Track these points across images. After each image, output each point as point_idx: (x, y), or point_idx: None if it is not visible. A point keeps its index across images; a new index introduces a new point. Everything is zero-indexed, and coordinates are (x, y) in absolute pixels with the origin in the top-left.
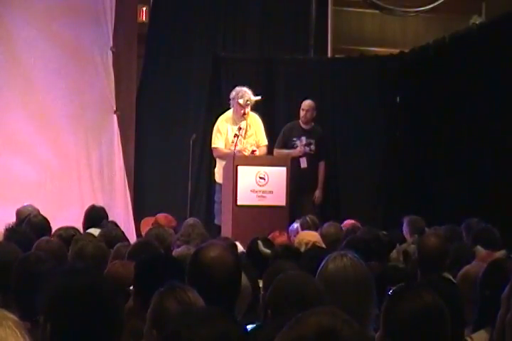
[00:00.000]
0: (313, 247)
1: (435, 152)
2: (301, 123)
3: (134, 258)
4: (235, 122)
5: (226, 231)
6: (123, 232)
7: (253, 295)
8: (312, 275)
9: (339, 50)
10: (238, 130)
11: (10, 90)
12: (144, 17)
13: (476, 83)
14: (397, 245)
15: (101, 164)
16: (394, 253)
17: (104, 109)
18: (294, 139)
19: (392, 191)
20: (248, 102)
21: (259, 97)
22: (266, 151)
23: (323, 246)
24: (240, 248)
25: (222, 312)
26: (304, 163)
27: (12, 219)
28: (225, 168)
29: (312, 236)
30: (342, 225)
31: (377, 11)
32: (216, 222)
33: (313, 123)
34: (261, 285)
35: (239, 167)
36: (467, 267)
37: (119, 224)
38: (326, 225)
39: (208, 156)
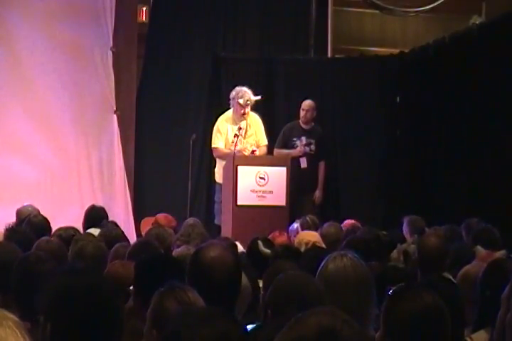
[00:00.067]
0: (313, 247)
1: (435, 152)
2: (301, 123)
3: (134, 258)
4: (235, 122)
5: (226, 231)
6: (123, 232)
7: (253, 295)
8: (312, 276)
9: (339, 50)
10: (238, 130)
11: (10, 90)
12: (144, 17)
13: (476, 83)
14: (398, 245)
15: (101, 164)
16: (394, 253)
17: (104, 109)
18: (294, 139)
19: (392, 191)
20: (248, 102)
21: (259, 97)
22: (266, 151)
23: (323, 246)
24: (240, 248)
25: (222, 312)
26: (304, 163)
27: (12, 219)
28: (225, 168)
29: (312, 236)
30: (342, 225)
31: (377, 11)
32: (216, 222)
33: (313, 123)
34: (261, 285)
35: (239, 167)
36: (467, 267)
37: (119, 224)
38: (326, 225)
39: (208, 156)
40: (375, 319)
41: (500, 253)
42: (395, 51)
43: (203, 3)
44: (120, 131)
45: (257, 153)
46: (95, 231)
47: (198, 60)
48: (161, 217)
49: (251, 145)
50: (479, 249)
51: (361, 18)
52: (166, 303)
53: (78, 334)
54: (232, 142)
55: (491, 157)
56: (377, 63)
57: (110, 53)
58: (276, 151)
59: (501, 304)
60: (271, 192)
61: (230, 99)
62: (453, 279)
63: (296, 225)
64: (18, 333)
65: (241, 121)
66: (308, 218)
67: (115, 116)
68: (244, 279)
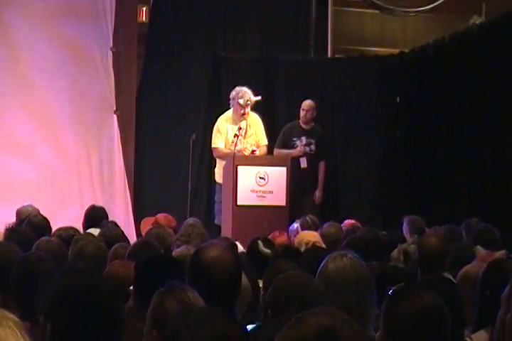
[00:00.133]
0: (313, 247)
1: (435, 152)
2: (301, 123)
3: (134, 258)
4: (235, 122)
5: (226, 231)
6: (123, 232)
7: (253, 295)
8: (312, 276)
9: (339, 50)
10: (238, 130)
11: (10, 90)
12: (144, 17)
13: (476, 83)
14: (399, 245)
15: (101, 164)
16: (394, 253)
17: (104, 109)
18: (294, 139)
19: (392, 191)
20: (248, 102)
21: (259, 97)
22: (266, 151)
23: (323, 246)
24: (240, 248)
25: (222, 312)
26: (304, 163)
27: (12, 219)
28: (225, 168)
29: (312, 236)
30: (342, 225)
31: (377, 11)
32: (216, 222)
33: (313, 123)
34: (261, 285)
35: (239, 167)
36: (467, 267)
37: (119, 224)
38: (326, 225)
39: (208, 156)
40: (375, 319)
41: (500, 253)
42: (395, 51)
43: (202, 3)
44: (120, 131)
45: (257, 153)
46: (95, 231)
47: (198, 60)
48: (161, 217)
49: (251, 145)
50: (479, 249)
51: (361, 18)
52: (166, 303)
53: (78, 334)
54: (232, 142)
55: (490, 157)
56: (377, 63)
57: (110, 53)
58: (276, 151)
59: (501, 304)
60: (271, 192)
61: (230, 99)
62: (453, 279)
63: (296, 225)
64: (18, 333)
65: (241, 121)
66: (308, 218)
67: (115, 116)
68: (244, 279)
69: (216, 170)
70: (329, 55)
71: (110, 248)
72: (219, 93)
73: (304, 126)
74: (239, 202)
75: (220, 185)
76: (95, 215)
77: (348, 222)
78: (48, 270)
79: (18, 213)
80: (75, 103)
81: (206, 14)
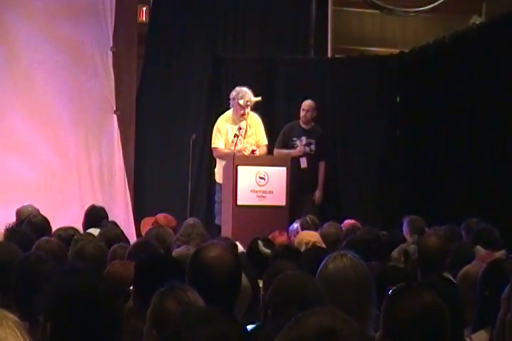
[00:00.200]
0: (313, 247)
1: (435, 152)
2: (301, 123)
3: (134, 258)
4: (235, 122)
5: (226, 231)
6: (123, 232)
7: (253, 295)
8: (312, 276)
9: (339, 50)
10: (238, 130)
11: (10, 90)
12: (144, 17)
13: (476, 83)
14: (402, 245)
15: (101, 164)
16: (395, 253)
17: (104, 109)
18: (294, 139)
19: (392, 191)
20: (248, 103)
21: (259, 98)
22: (266, 151)
23: (323, 246)
24: (240, 248)
25: (222, 312)
26: (303, 163)
27: (12, 219)
28: (225, 168)
29: (312, 236)
30: (342, 225)
31: (377, 11)
32: (216, 222)
33: (313, 123)
34: (261, 285)
35: (239, 167)
36: (467, 267)
37: (119, 224)
38: (326, 225)
39: (207, 156)
40: (375, 319)
41: (500, 253)
42: (395, 51)
43: (202, 3)
44: (120, 131)
45: (257, 153)
46: (95, 231)
47: (198, 60)
48: (161, 217)
49: (251, 145)
50: (479, 249)
51: (361, 18)
52: (166, 303)
53: (78, 334)
54: (232, 142)
55: (490, 157)
56: (377, 63)
57: (110, 53)
58: (276, 151)
59: (501, 304)
60: (271, 192)
61: (230, 99)
62: (453, 279)
63: (296, 225)
64: (18, 333)
65: (241, 121)
66: (308, 218)
67: (115, 116)
68: (244, 279)
69: (216, 170)
70: (329, 55)
71: (110, 248)
72: (219, 93)
73: (303, 126)
74: (239, 202)
75: (220, 185)
76: (95, 215)
77: (348, 221)
78: (48, 270)
79: (18, 213)
80: (75, 103)
81: (206, 14)
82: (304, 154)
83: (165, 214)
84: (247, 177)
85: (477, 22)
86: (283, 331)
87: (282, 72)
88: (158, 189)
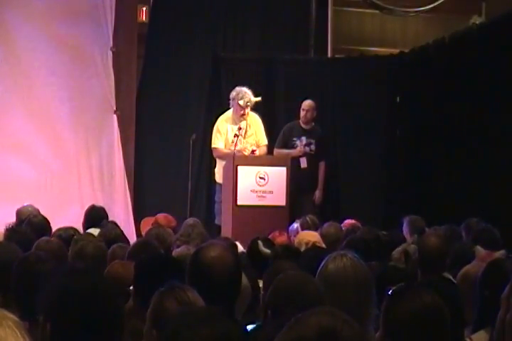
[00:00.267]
0: (313, 247)
1: (435, 152)
2: (301, 123)
3: (134, 258)
4: (235, 122)
5: (226, 231)
6: (123, 232)
7: (253, 295)
8: (312, 276)
9: (339, 50)
10: (238, 130)
11: (10, 90)
12: (144, 17)
13: (476, 83)
14: (403, 245)
15: (101, 164)
16: (395, 253)
17: (104, 109)
18: (294, 139)
19: (392, 191)
20: (248, 104)
21: (259, 98)
22: (266, 151)
23: (323, 246)
24: (240, 248)
25: (222, 312)
26: (303, 163)
27: (12, 219)
28: (225, 168)
29: (312, 236)
30: (342, 225)
31: (377, 11)
32: (216, 222)
33: (313, 123)
34: (261, 285)
35: (239, 167)
36: (467, 267)
37: (119, 224)
38: (326, 225)
39: (207, 156)
40: (375, 319)
41: (500, 253)
42: (395, 51)
43: (202, 3)
44: (120, 131)
45: (257, 153)
46: (95, 231)
47: (198, 60)
48: (161, 217)
49: (251, 145)
50: (479, 249)
51: (361, 18)
52: (166, 303)
53: (78, 334)
54: (232, 142)
55: (490, 157)
56: (377, 63)
57: (110, 53)
58: (276, 151)
59: (501, 304)
60: (271, 192)
61: (230, 99)
62: (453, 279)
63: (296, 225)
64: (18, 333)
65: (241, 121)
66: (308, 218)
67: (115, 116)
68: (244, 279)
69: (216, 170)
70: (329, 55)
71: (110, 248)
72: (219, 93)
73: (303, 126)
74: (239, 202)
75: (220, 185)
76: (95, 215)
77: (348, 221)
78: (48, 270)
79: (18, 213)
80: (75, 103)
81: (206, 14)
82: (304, 154)
83: (165, 214)
84: (247, 177)
85: (477, 22)
86: (283, 331)
87: (282, 72)
88: (158, 189)
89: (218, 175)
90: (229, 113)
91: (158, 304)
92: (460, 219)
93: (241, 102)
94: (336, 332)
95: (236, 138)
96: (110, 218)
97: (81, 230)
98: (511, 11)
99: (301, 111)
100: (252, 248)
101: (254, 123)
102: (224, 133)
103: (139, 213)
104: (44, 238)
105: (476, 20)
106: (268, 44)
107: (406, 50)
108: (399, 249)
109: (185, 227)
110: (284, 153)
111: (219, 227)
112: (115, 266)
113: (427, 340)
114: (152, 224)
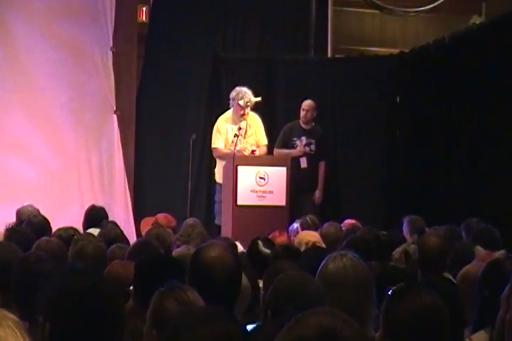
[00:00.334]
0: (313, 247)
1: (435, 152)
2: (301, 123)
3: (134, 258)
4: (235, 122)
5: (226, 231)
6: (123, 232)
7: (253, 295)
8: (312, 276)
9: (339, 50)
10: (238, 130)
11: (10, 90)
12: (144, 17)
13: (476, 83)
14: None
15: (101, 164)
16: (396, 253)
17: (104, 109)
18: (294, 139)
19: (392, 191)
20: (248, 104)
21: (259, 98)
22: (266, 151)
23: (323, 246)
24: (240, 248)
25: (223, 312)
26: (304, 163)
27: (12, 219)
28: (225, 168)
29: (312, 236)
30: (342, 225)
31: (377, 11)
32: (216, 222)
33: (313, 123)
34: (261, 285)
35: (239, 167)
36: (467, 267)
37: (119, 224)
38: (326, 225)
39: (207, 156)
40: (375, 319)
41: (500, 253)
42: (395, 51)
43: (202, 3)
44: (120, 131)
45: (257, 153)
46: (95, 231)
47: (198, 60)
48: (161, 217)
49: (251, 145)
50: (479, 249)
51: (361, 18)
52: (166, 303)
53: (78, 334)
54: (232, 142)
55: (491, 157)
56: (377, 63)
57: (110, 53)
58: (276, 151)
59: (501, 304)
60: (271, 192)
61: (230, 99)
62: (453, 279)
63: (296, 225)
64: (18, 333)
65: (241, 121)
66: (308, 218)
67: (115, 116)
68: (244, 279)
69: (216, 170)
70: (329, 55)
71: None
72: (219, 93)
73: (303, 126)
74: (239, 202)
75: (220, 185)
76: (95, 215)
77: (348, 221)
78: (48, 270)
79: (18, 213)
80: (74, 103)
81: (206, 14)
82: (304, 154)
83: (165, 214)
84: (247, 177)
85: (477, 22)
86: (283, 331)
87: (282, 72)
88: (158, 189)
89: (218, 175)
90: (229, 113)
91: (158, 304)
92: (460, 219)
93: (241, 102)
94: (336, 332)
95: (236, 138)
96: (110, 218)
97: (81, 230)
98: (511, 11)
99: (301, 111)
100: (252, 248)
101: (254, 123)
102: (224, 133)
103: (139, 213)
104: (44, 238)
105: (476, 20)
106: (268, 44)
107: (406, 50)
108: (399, 249)
109: (185, 227)
110: (284, 153)
111: (219, 227)
112: (115, 266)
113: (427, 340)
114: (152, 224)
